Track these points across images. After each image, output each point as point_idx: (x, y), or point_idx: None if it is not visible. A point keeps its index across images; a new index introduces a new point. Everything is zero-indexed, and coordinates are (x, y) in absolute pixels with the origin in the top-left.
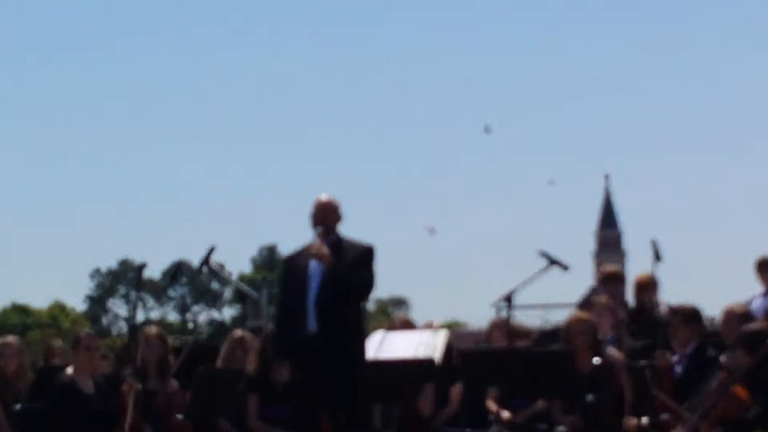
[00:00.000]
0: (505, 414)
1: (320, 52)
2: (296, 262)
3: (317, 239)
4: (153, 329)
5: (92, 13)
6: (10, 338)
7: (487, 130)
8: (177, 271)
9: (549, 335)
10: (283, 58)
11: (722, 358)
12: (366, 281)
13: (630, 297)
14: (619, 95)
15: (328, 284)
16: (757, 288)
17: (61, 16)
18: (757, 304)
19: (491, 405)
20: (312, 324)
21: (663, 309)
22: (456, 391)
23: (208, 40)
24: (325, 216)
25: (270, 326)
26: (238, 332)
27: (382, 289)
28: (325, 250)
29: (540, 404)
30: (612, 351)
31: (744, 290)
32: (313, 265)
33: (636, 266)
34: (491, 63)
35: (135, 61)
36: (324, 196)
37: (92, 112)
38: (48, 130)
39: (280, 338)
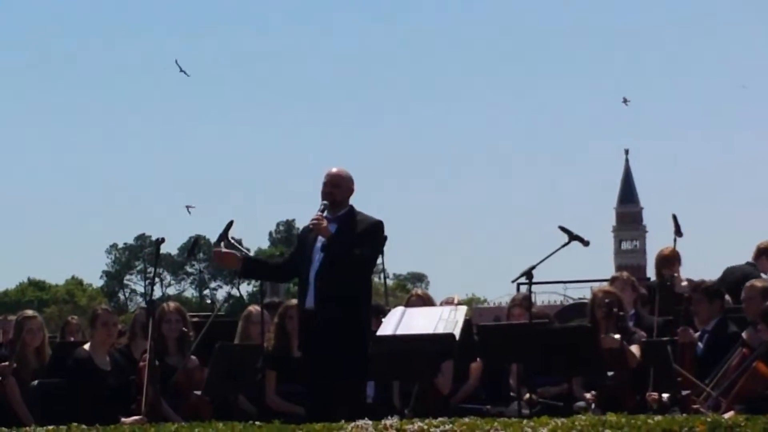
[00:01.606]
0: (526, 394)
1: (337, 29)
2: (307, 235)
3: (317, 212)
4: (172, 305)
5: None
6: (32, 312)
7: None
8: (194, 247)
9: (570, 310)
10: (300, 35)
11: (744, 334)
12: (362, 257)
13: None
14: (640, 71)
15: (326, 259)
16: None
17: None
18: None
19: (513, 382)
20: (310, 300)
21: (683, 284)
22: (475, 367)
23: (227, 15)
24: (332, 188)
25: (286, 301)
26: (251, 308)
27: (402, 265)
28: (324, 222)
29: (563, 385)
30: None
31: None
32: (321, 240)
33: (656, 242)
34: (511, 36)
35: (147, 40)
36: (334, 169)
37: (107, 89)
38: (63, 106)
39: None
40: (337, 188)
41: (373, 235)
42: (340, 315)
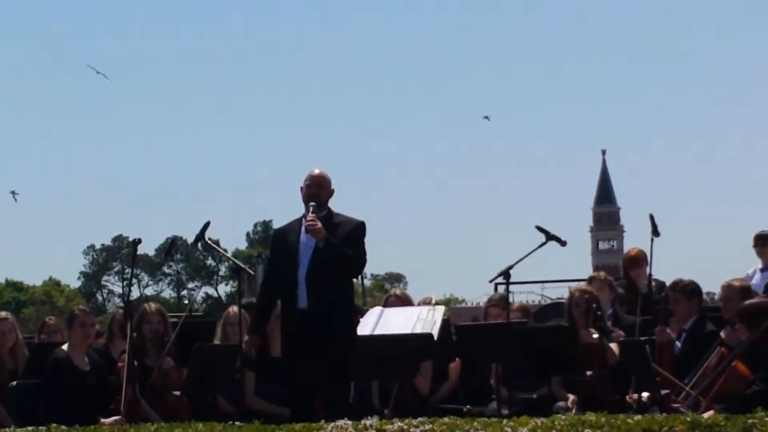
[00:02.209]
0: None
1: (317, 32)
2: (287, 236)
3: (310, 213)
4: (153, 306)
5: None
6: (4, 313)
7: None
8: (171, 247)
9: (548, 310)
10: (279, 37)
11: (722, 334)
12: (358, 258)
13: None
14: (616, 71)
15: (319, 260)
16: (754, 263)
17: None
18: (756, 280)
19: (492, 381)
20: (303, 300)
21: (651, 284)
22: (455, 367)
23: (209, 19)
24: (318, 190)
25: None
26: (230, 309)
27: (380, 265)
28: (318, 224)
29: (543, 389)
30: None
31: (741, 264)
32: (304, 240)
33: (633, 242)
34: (489, 42)
35: (130, 41)
36: (316, 170)
37: (86, 89)
38: (41, 107)
39: (261, 312)
40: (323, 189)
41: (360, 237)
42: (333, 316)
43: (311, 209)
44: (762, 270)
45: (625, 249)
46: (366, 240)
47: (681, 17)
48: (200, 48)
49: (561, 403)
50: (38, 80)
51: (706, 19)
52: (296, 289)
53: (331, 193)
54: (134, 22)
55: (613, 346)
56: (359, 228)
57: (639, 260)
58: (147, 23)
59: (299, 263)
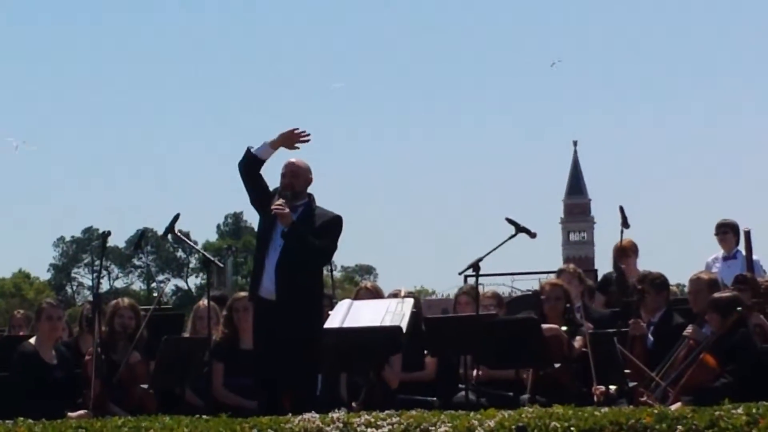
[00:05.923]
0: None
1: (291, 20)
2: (266, 224)
3: (279, 199)
4: (126, 301)
5: None
6: None
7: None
8: (141, 239)
9: (518, 302)
10: (251, 28)
11: (687, 330)
12: (324, 248)
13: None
14: (588, 63)
15: (287, 249)
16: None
17: None
18: (718, 269)
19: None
20: (270, 289)
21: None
22: (431, 360)
23: (186, 13)
24: (291, 179)
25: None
26: (200, 303)
27: (350, 257)
28: (286, 209)
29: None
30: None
31: (711, 256)
32: (278, 228)
33: (604, 233)
34: (461, 33)
35: (106, 36)
36: (292, 158)
37: (57, 81)
38: (9, 96)
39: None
40: (296, 178)
41: (332, 230)
42: (299, 306)
43: (279, 196)
44: (724, 258)
45: (596, 241)
46: (340, 234)
47: (653, 10)
48: (173, 40)
49: (526, 396)
50: (9, 68)
51: (677, 10)
52: (264, 277)
53: (308, 181)
54: (111, 14)
55: (579, 339)
56: (334, 220)
57: (628, 251)
58: (123, 15)
59: (268, 250)
